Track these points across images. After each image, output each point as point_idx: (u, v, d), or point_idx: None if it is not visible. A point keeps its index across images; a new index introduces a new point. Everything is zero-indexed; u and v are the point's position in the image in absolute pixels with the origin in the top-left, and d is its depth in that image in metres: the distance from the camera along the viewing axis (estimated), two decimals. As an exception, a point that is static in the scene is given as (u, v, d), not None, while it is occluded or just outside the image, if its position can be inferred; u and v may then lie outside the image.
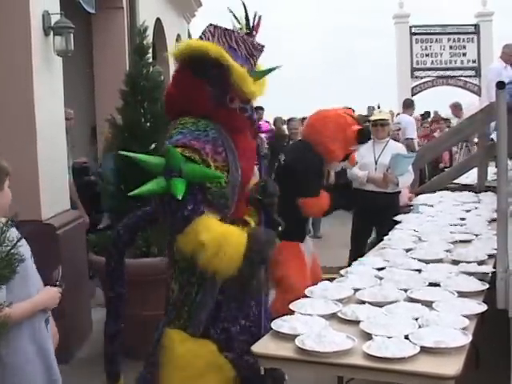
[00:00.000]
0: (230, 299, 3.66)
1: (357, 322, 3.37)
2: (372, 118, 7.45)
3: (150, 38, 6.58)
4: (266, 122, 12.42)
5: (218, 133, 3.52)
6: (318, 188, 5.41)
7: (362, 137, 5.55)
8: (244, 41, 3.60)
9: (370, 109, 15.96)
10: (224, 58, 3.43)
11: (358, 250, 6.81)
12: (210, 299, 3.60)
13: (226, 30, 3.62)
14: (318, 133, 5.45)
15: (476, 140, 12.90)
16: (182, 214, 3.32)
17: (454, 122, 15.23)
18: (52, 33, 5.71)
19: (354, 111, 7.04)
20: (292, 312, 3.57)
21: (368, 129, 5.97)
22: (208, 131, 3.50)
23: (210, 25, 3.63)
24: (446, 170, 11.01)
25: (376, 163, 6.91)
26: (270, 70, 3.65)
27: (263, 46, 3.67)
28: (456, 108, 15.38)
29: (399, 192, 7.05)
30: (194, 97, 3.55)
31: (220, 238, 3.32)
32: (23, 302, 3.07)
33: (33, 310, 3.16)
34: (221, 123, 3.54)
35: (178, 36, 12.25)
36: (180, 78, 3.65)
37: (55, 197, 5.76)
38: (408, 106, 13.17)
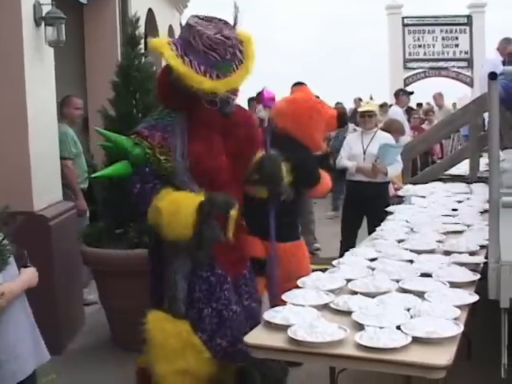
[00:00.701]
0: (201, 280, 3.87)
1: (349, 313, 3.38)
2: (359, 109, 7.53)
3: (141, 29, 6.54)
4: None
5: (177, 121, 3.84)
6: (318, 175, 5.28)
7: (342, 121, 5.51)
8: (200, 36, 3.70)
9: (356, 100, 15.96)
10: (168, 59, 3.69)
11: (349, 240, 6.84)
12: (182, 279, 3.80)
13: (190, 25, 3.78)
14: (303, 125, 5.20)
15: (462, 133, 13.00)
16: (132, 192, 3.79)
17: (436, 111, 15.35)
18: (43, 23, 5.67)
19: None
20: (284, 303, 3.58)
21: (344, 111, 5.94)
22: (165, 119, 3.87)
23: (192, 16, 3.87)
24: (438, 161, 11.05)
25: (364, 153, 6.96)
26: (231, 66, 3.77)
27: (228, 38, 3.73)
28: (439, 97, 15.47)
29: (388, 182, 7.10)
30: (165, 89, 3.95)
31: (174, 201, 3.63)
32: (15, 282, 3.14)
33: (23, 288, 3.23)
34: (187, 114, 3.86)
35: (170, 27, 12.20)
36: (160, 71, 4.09)
37: (47, 188, 5.74)
38: (397, 96, 13.18)
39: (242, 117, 4.09)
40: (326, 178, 5.35)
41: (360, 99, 14.30)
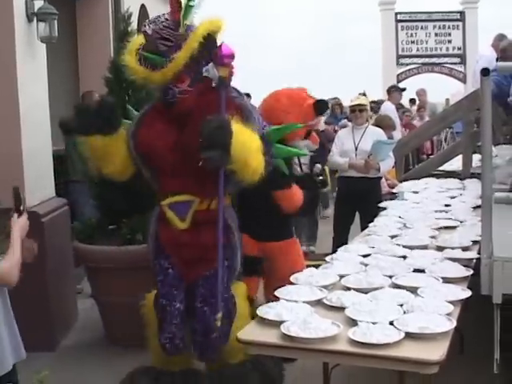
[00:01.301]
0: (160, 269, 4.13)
1: (342, 309, 3.38)
2: (350, 103, 7.48)
3: (134, 25, 6.51)
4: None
5: (147, 108, 4.26)
6: (287, 179, 4.81)
7: (320, 108, 5.26)
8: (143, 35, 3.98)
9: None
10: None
11: (342, 236, 6.84)
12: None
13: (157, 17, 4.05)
14: (272, 110, 5.03)
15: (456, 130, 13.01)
16: None
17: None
18: (35, 19, 5.65)
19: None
20: (277, 299, 3.58)
21: (325, 100, 5.71)
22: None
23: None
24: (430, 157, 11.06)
25: (356, 149, 6.92)
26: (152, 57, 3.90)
27: (155, 33, 3.90)
28: (423, 93, 15.50)
29: (380, 177, 7.10)
30: None
31: None
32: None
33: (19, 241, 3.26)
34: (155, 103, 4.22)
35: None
36: None
37: (40, 184, 5.72)
38: (389, 92, 13.18)
39: (203, 108, 3.94)
40: (297, 194, 4.96)
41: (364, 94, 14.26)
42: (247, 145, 3.69)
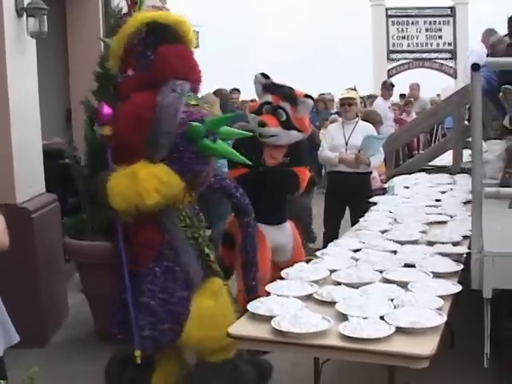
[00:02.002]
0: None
1: (332, 303, 3.39)
2: (340, 96, 7.48)
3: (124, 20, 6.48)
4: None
5: None
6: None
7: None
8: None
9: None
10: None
11: (332, 231, 6.84)
12: None
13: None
14: None
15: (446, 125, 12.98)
16: None
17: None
18: (25, 14, 5.62)
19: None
20: (268, 294, 3.58)
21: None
22: None
23: None
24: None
25: (346, 144, 6.92)
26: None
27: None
28: (417, 88, 15.49)
29: (370, 172, 7.10)
30: None
31: None
32: None
33: None
34: None
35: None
36: None
37: (30, 180, 5.70)
38: (381, 88, 13.17)
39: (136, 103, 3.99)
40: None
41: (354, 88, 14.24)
42: (130, 186, 3.75)
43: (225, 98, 9.07)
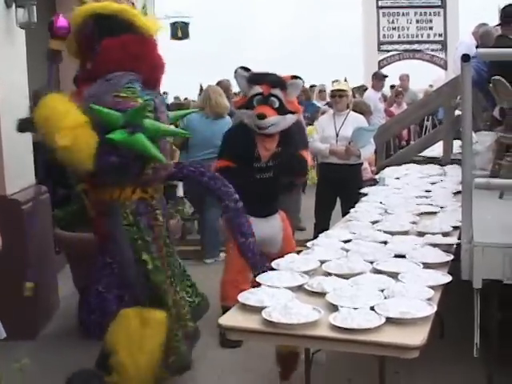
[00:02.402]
0: None
1: (323, 294, 3.38)
2: (331, 88, 7.49)
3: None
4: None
5: None
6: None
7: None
8: None
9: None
10: None
11: (323, 222, 6.85)
12: None
13: None
14: None
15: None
16: None
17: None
18: (14, 5, 5.58)
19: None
20: (259, 284, 3.58)
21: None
22: None
23: None
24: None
25: (337, 136, 6.92)
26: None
27: None
28: (407, 79, 15.50)
29: (361, 163, 7.11)
30: None
31: None
32: None
33: None
34: None
35: (144, 6, 12.06)
36: None
37: (20, 172, 5.67)
38: (373, 79, 13.16)
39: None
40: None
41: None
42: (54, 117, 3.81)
43: (226, 89, 9.11)
